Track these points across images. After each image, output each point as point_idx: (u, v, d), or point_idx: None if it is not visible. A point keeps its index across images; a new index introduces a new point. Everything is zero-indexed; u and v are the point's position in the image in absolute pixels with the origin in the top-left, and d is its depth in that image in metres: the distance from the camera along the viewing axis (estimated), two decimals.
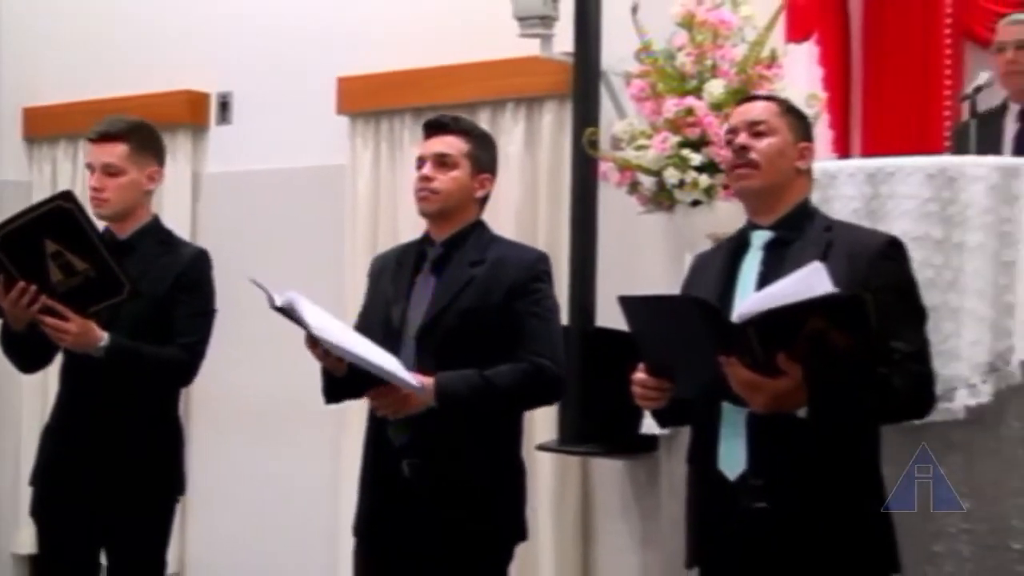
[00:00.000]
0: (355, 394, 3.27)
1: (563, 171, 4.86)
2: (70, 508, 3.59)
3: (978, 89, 4.03)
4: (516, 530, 3.33)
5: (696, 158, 4.08)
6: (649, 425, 3.82)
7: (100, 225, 3.57)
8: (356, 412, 3.95)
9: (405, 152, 5.27)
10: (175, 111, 5.93)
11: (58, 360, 3.71)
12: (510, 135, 5.04)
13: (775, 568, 2.81)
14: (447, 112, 3.51)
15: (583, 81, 4.64)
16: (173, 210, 5.72)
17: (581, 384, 4.34)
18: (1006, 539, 3.30)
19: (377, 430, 3.30)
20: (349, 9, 5.59)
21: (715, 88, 4.08)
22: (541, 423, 4.66)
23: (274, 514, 5.66)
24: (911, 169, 3.43)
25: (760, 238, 2.94)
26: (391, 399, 3.14)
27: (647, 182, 4.21)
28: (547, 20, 4.69)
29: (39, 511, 3.69)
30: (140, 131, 3.72)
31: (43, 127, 6.43)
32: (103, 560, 3.67)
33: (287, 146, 5.72)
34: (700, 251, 3.26)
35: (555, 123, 4.99)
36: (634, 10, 4.26)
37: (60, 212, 3.37)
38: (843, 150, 4.95)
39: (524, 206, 5.01)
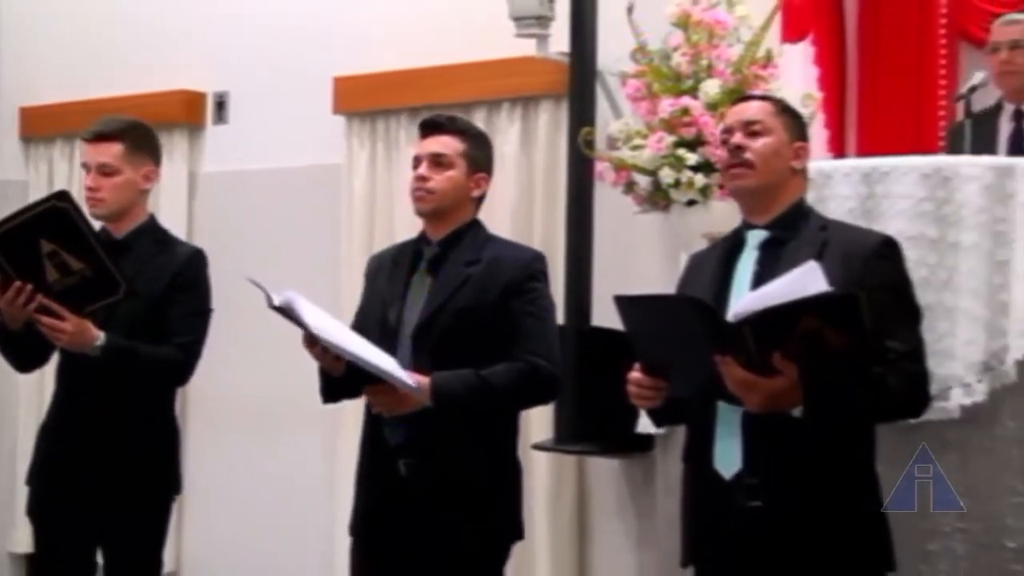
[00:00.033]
0: (352, 394, 3.28)
1: (559, 171, 4.87)
2: (67, 507, 3.59)
3: (973, 89, 4.04)
4: (512, 529, 3.33)
5: (692, 158, 4.09)
6: (645, 424, 3.84)
7: (96, 224, 3.57)
8: (352, 412, 3.95)
9: (401, 152, 5.27)
10: (172, 111, 5.94)
11: (54, 359, 3.72)
12: (506, 135, 5.05)
13: (770, 567, 2.81)
14: (443, 112, 3.52)
15: (579, 81, 4.65)
16: (169, 209, 5.74)
17: (577, 383, 4.34)
18: (1000, 538, 3.31)
19: (373, 429, 3.30)
20: (345, 9, 5.60)
21: (711, 88, 4.09)
22: (537, 422, 4.67)
23: (271, 513, 5.66)
24: (906, 169, 3.44)
25: (755, 237, 2.94)
26: (388, 396, 3.14)
27: (643, 182, 4.21)
28: (543, 20, 4.70)
29: (36, 510, 3.69)
30: (135, 131, 3.72)
31: (40, 127, 6.43)
32: (99, 559, 3.68)
33: (283, 146, 5.73)
34: (695, 250, 3.26)
35: (551, 123, 4.99)
36: (630, 10, 4.27)
37: (56, 212, 3.37)
38: (838, 150, 4.95)
39: (520, 205, 5.02)
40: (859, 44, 5.14)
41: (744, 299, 2.70)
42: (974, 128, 3.99)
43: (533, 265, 3.32)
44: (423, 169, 3.32)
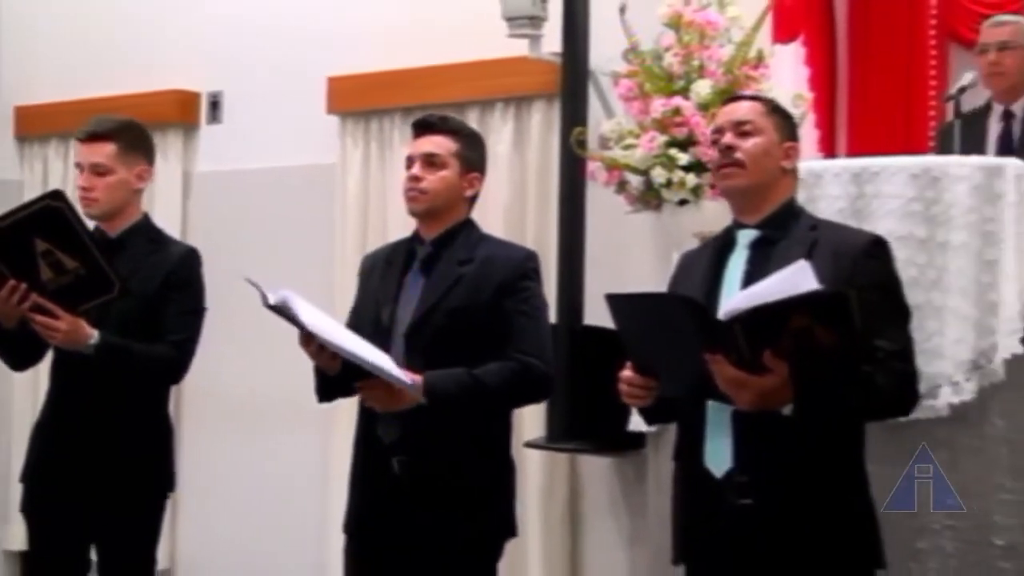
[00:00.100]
0: (348, 392, 3.27)
1: (551, 170, 4.88)
2: (61, 505, 3.60)
3: (962, 90, 4.06)
4: (505, 526, 3.34)
5: (683, 157, 4.10)
6: (637, 422, 3.84)
7: (90, 223, 3.58)
8: (346, 410, 3.97)
9: (395, 151, 5.28)
10: (166, 110, 5.95)
11: (49, 357, 3.72)
12: (499, 134, 5.06)
13: (761, 564, 2.82)
14: (436, 112, 3.52)
15: (571, 81, 4.67)
16: (164, 209, 5.74)
17: (569, 382, 4.36)
18: (989, 535, 3.33)
19: (367, 428, 3.31)
20: (339, 9, 5.61)
21: (702, 88, 4.11)
22: (530, 420, 4.68)
23: (265, 511, 5.67)
24: (896, 169, 3.46)
25: (746, 237, 2.95)
26: (381, 392, 3.14)
27: (635, 181, 4.23)
28: (535, 20, 4.71)
29: (30, 508, 3.70)
30: (128, 130, 3.72)
31: (34, 126, 6.43)
32: (93, 556, 3.68)
33: (277, 145, 5.73)
34: (686, 249, 3.28)
35: (543, 123, 5.01)
36: (622, 10, 4.28)
37: (50, 211, 3.38)
38: (829, 150, 4.97)
39: (513, 205, 5.03)
40: (849, 45, 5.16)
41: (735, 297, 2.71)
42: (963, 128, 4.00)
43: (526, 264, 3.33)
44: (416, 169, 3.32)
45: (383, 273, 3.39)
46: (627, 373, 2.87)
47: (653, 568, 3.99)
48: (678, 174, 4.10)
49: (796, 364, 2.63)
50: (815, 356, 2.62)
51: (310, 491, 5.42)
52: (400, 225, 4.27)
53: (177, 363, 3.65)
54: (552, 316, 3.70)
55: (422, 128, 3.39)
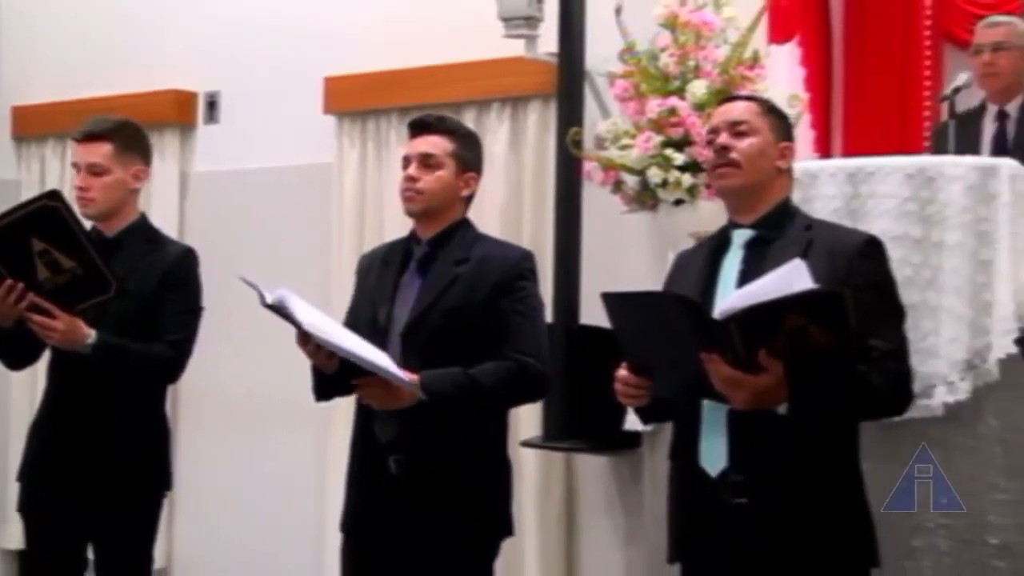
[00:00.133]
0: (345, 392, 3.28)
1: (547, 170, 4.89)
2: (58, 504, 3.60)
3: (957, 90, 4.06)
4: (502, 526, 3.34)
5: (679, 157, 4.12)
6: (632, 421, 3.85)
7: (87, 223, 3.58)
8: (343, 410, 3.97)
9: (392, 151, 5.29)
10: (163, 110, 5.95)
11: (46, 357, 3.73)
12: (495, 135, 5.07)
13: (756, 563, 2.82)
14: (433, 112, 3.53)
15: (567, 81, 4.68)
16: (161, 209, 5.74)
17: (565, 381, 4.36)
18: (983, 534, 3.34)
19: (364, 427, 3.31)
20: (336, 9, 5.62)
21: (698, 88, 4.12)
22: (526, 420, 4.69)
23: (262, 510, 5.68)
24: (891, 169, 3.46)
25: (741, 236, 2.95)
26: (379, 389, 3.14)
27: (630, 181, 4.24)
28: (532, 21, 4.72)
29: (27, 507, 3.70)
30: (125, 130, 3.73)
31: (32, 126, 6.44)
32: (90, 555, 3.69)
33: (274, 145, 5.74)
34: (682, 249, 3.29)
35: (540, 123, 5.02)
36: (618, 11, 4.30)
37: (47, 211, 3.39)
38: (824, 150, 4.97)
39: (509, 205, 5.04)
40: (845, 46, 5.17)
41: (730, 297, 2.72)
42: (958, 129, 4.01)
43: (522, 264, 3.33)
44: (412, 169, 3.32)
45: (380, 273, 3.40)
46: (623, 372, 2.88)
47: (649, 567, 4.00)
48: (674, 174, 4.11)
49: (791, 363, 2.64)
50: (810, 355, 2.62)
51: (307, 490, 5.43)
52: (397, 225, 4.28)
53: (174, 363, 3.66)
54: (548, 316, 3.71)
55: (418, 128, 3.39)
